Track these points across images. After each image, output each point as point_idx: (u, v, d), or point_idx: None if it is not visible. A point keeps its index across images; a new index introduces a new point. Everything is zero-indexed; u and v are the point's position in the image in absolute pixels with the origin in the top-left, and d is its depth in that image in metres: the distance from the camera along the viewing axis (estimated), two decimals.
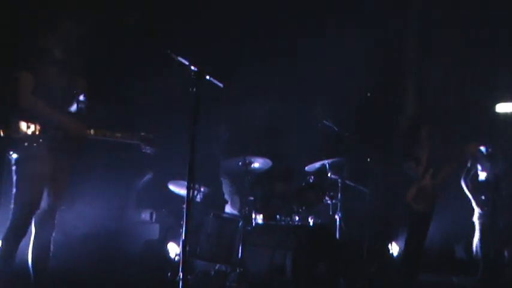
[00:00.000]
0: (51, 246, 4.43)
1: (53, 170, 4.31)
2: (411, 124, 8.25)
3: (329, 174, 6.63)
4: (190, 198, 4.19)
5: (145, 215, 7.16)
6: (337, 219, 6.58)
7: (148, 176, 7.41)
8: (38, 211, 4.32)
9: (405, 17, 9.30)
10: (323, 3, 8.19)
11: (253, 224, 6.31)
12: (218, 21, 7.50)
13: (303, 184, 6.52)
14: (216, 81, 4.19)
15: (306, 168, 6.61)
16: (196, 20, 7.36)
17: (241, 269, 5.83)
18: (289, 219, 6.34)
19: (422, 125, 7.26)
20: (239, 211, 6.67)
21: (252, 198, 6.30)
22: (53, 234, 4.44)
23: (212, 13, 7.50)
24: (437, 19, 9.07)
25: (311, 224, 6.33)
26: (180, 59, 4.09)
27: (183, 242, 5.50)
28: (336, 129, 6.93)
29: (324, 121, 6.86)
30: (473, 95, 9.14)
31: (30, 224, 4.30)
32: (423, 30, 9.31)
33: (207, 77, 4.13)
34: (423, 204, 6.88)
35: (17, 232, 4.23)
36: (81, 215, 5.67)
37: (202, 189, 6.51)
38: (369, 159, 7.06)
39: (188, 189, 4.08)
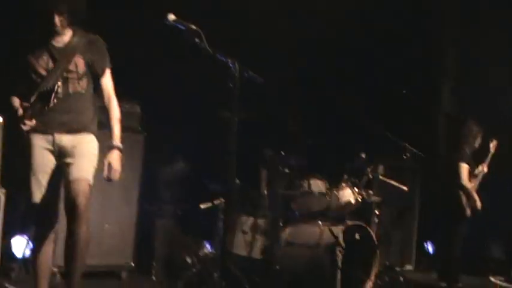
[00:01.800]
0: (80, 242, 4.07)
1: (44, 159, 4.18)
2: (454, 122, 8.11)
3: (366, 172, 6.54)
4: (229, 195, 4.13)
5: None
6: (374, 218, 6.48)
7: (178, 166, 7.27)
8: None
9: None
10: None
11: (290, 221, 6.26)
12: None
13: (340, 181, 6.44)
14: (256, 78, 4.11)
15: (344, 165, 6.52)
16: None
17: (277, 267, 5.78)
18: (325, 217, 6.27)
19: (467, 123, 7.17)
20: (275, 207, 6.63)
21: (288, 194, 6.25)
22: (83, 229, 4.08)
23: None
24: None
25: (348, 222, 6.25)
26: (218, 55, 3.99)
27: (220, 239, 5.52)
28: (373, 126, 6.83)
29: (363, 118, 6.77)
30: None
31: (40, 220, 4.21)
32: (462, 29, 9.12)
33: (247, 74, 4.04)
34: (470, 207, 6.81)
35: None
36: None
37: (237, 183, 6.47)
38: (405, 156, 6.93)
39: (228, 185, 4.00)
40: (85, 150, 4.22)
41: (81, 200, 4.05)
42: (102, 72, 4.34)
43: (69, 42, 4.21)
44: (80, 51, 4.21)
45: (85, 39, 4.26)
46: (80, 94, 4.21)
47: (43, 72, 4.14)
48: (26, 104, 4.04)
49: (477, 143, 7.11)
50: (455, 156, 7.00)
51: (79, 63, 4.21)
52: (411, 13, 8.61)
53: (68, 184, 4.11)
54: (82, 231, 4.05)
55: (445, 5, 8.92)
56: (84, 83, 4.22)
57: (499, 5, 8.31)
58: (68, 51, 4.18)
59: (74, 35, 4.24)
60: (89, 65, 4.25)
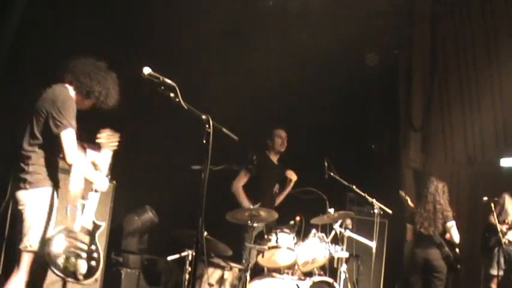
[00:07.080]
0: None
1: None
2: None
3: (334, 227, 6.56)
4: (197, 246, 4.08)
5: None
6: (341, 273, 6.48)
7: (146, 216, 7.19)
8: None
9: None
10: None
11: (257, 275, 6.22)
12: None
13: (308, 236, 6.44)
14: (230, 135, 4.14)
15: (312, 221, 6.53)
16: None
17: None
18: (292, 272, 6.25)
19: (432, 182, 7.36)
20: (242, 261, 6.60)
21: (255, 248, 6.22)
22: None
23: None
24: None
25: (315, 278, 6.23)
26: (191, 108, 4.00)
27: None
28: (342, 181, 6.91)
29: (331, 173, 6.84)
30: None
31: None
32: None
33: (224, 130, 4.07)
34: None
35: None
36: None
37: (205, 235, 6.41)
38: (373, 212, 6.99)
39: (196, 236, 3.95)
40: None
41: None
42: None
43: None
44: None
45: None
46: None
47: None
48: None
49: (446, 197, 7.32)
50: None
51: None
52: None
53: None
54: None
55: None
56: None
57: None
58: None
59: None
60: None
